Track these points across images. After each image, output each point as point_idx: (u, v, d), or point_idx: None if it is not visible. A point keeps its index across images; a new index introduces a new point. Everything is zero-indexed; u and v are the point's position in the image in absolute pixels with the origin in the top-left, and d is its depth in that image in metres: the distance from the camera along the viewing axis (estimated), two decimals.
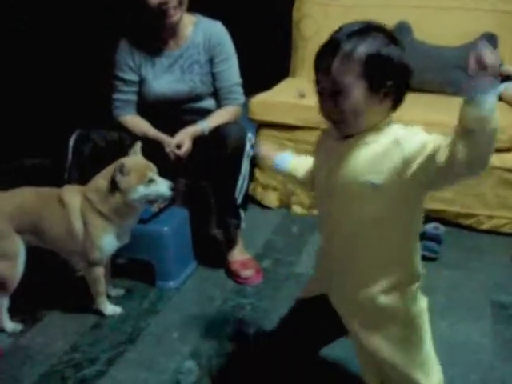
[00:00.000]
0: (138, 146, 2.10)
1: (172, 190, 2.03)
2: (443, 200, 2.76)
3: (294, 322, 1.59)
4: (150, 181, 1.99)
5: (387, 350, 1.38)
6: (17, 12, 3.51)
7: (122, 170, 1.95)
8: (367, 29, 1.26)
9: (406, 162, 1.21)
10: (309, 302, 1.54)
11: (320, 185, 1.42)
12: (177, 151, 2.31)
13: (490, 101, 1.07)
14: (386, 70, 1.24)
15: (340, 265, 1.42)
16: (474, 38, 3.10)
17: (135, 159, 2.06)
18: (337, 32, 1.28)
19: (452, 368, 1.84)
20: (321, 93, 1.30)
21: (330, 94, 1.26)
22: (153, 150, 2.19)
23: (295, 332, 1.56)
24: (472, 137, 1.10)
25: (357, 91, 1.23)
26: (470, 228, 2.80)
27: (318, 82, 1.31)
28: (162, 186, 2.01)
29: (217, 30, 2.48)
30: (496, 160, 2.65)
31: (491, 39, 3.07)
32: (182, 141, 2.32)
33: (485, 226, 2.77)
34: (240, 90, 2.54)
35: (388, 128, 1.29)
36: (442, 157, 1.15)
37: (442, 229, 2.63)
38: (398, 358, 1.39)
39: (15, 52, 3.51)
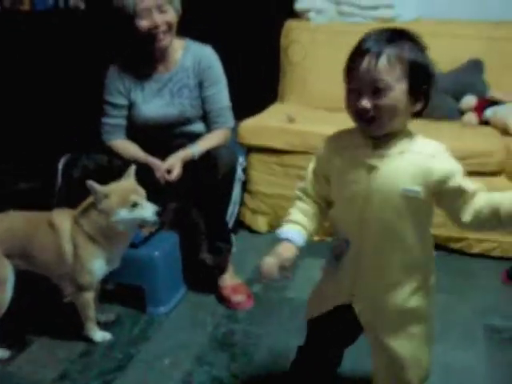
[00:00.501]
0: (132, 169, 2.07)
1: (158, 215, 1.99)
2: (434, 224, 2.75)
3: (316, 341, 1.64)
4: (134, 205, 1.96)
5: (410, 348, 1.47)
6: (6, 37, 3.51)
7: (99, 193, 1.94)
8: (403, 34, 1.34)
9: (440, 179, 1.32)
10: (322, 318, 1.56)
11: (347, 191, 1.42)
12: (167, 176, 2.29)
13: None
14: (425, 74, 1.34)
15: (367, 272, 1.44)
16: (461, 64, 3.15)
17: (121, 183, 2.03)
18: (369, 37, 1.33)
19: None
20: (357, 91, 1.33)
21: (371, 91, 1.30)
22: (143, 174, 2.17)
23: (321, 348, 1.64)
24: (499, 225, 1.32)
25: (399, 90, 1.30)
26: (460, 252, 2.80)
27: (352, 81, 1.34)
28: (147, 211, 1.98)
29: (206, 53, 2.49)
30: (485, 184, 2.66)
31: (478, 65, 3.12)
32: (172, 165, 2.30)
33: (475, 250, 2.77)
34: (229, 113, 2.54)
35: (413, 135, 1.39)
36: (462, 203, 1.34)
37: (433, 253, 2.62)
38: (419, 353, 1.49)
39: (6, 77, 3.49)
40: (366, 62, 1.30)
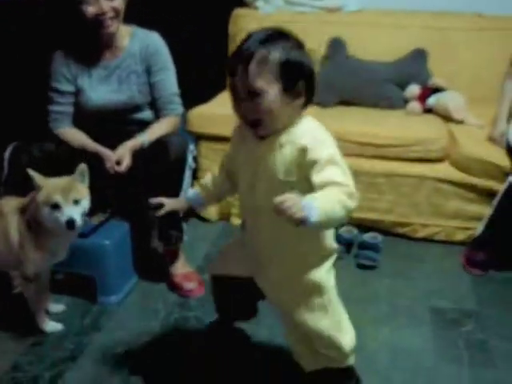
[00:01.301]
0: (82, 167, 1.97)
1: (69, 225, 1.85)
2: (379, 209, 2.83)
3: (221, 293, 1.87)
4: (55, 206, 1.86)
5: (312, 319, 1.55)
6: None
7: (35, 183, 1.89)
8: (277, 35, 1.39)
9: (310, 167, 1.38)
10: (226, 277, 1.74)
11: (244, 181, 1.55)
12: (117, 167, 2.26)
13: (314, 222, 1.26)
14: (298, 71, 1.39)
15: (265, 252, 1.58)
16: (406, 54, 3.22)
17: (59, 179, 1.93)
18: (248, 39, 1.40)
19: (399, 371, 1.91)
20: (237, 96, 1.40)
21: (248, 96, 1.37)
22: (91, 163, 2.13)
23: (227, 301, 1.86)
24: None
25: (272, 92, 1.36)
26: (405, 236, 2.87)
27: (233, 86, 1.41)
28: (61, 217, 1.85)
29: (153, 39, 2.48)
30: (429, 170, 2.76)
31: (421, 54, 3.20)
32: (122, 156, 2.27)
33: (420, 234, 2.85)
34: (178, 100, 2.53)
35: (299, 126, 1.44)
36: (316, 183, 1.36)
37: (379, 238, 2.69)
38: (321, 323, 1.56)
39: None
40: (239, 69, 1.37)
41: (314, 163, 1.37)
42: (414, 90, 3.13)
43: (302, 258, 1.54)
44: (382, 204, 2.83)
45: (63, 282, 2.35)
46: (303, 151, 1.39)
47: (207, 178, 1.76)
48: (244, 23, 3.49)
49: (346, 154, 2.78)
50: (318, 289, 1.55)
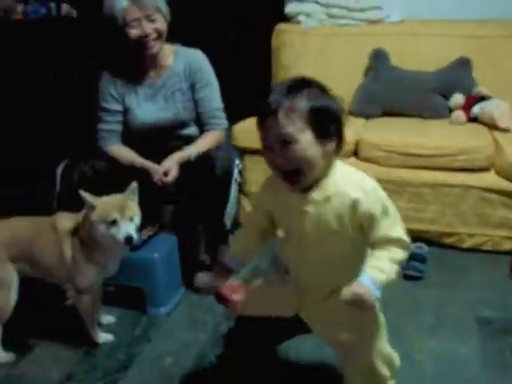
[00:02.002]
0: (134, 185, 2.05)
1: (128, 241, 1.94)
2: (425, 220, 2.82)
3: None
4: (113, 222, 1.94)
5: (369, 340, 1.55)
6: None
7: (87, 203, 1.96)
8: (300, 84, 1.41)
9: (364, 220, 1.43)
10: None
11: (285, 232, 1.55)
12: (164, 178, 2.33)
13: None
14: (327, 116, 1.40)
15: (312, 285, 1.58)
16: (449, 63, 3.21)
17: (112, 197, 2.02)
18: (271, 91, 1.41)
19: (444, 381, 1.90)
20: (270, 149, 1.41)
21: (281, 146, 1.38)
22: (140, 179, 2.20)
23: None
24: None
25: (304, 139, 1.37)
26: (452, 246, 2.85)
27: (265, 140, 1.42)
28: (120, 233, 1.94)
29: (196, 57, 2.55)
30: (475, 180, 2.74)
31: (466, 63, 3.18)
32: (168, 168, 2.34)
33: (466, 244, 2.83)
34: (222, 114, 2.58)
35: (338, 175, 1.46)
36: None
37: (425, 248, 2.68)
38: (377, 342, 1.56)
39: (2, 85, 3.52)
40: (268, 121, 1.38)
41: (368, 218, 1.41)
42: (458, 99, 3.11)
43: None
44: (428, 214, 2.82)
45: (114, 294, 2.42)
46: (355, 203, 1.41)
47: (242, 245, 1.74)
48: (287, 37, 3.54)
49: (391, 165, 2.83)
50: (368, 316, 1.55)
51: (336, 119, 1.42)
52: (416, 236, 2.79)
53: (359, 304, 1.32)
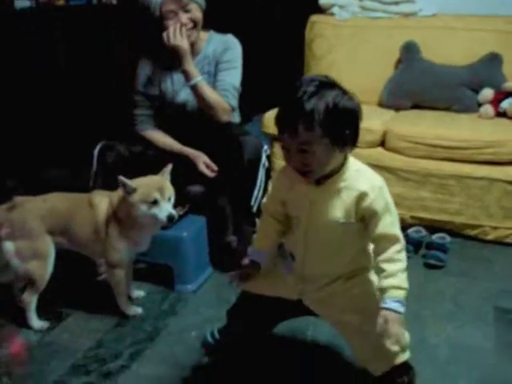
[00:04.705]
0: (169, 168, 2.16)
1: (170, 219, 2.06)
2: (449, 211, 2.86)
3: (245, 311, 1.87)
4: (154, 202, 2.04)
5: (367, 324, 1.55)
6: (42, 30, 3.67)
7: (128, 187, 2.04)
8: (322, 87, 1.43)
9: (368, 215, 1.52)
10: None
11: (296, 221, 1.63)
12: (209, 173, 2.47)
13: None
14: (343, 122, 1.44)
15: (316, 273, 1.66)
16: (480, 58, 3.23)
17: (151, 178, 2.12)
18: (296, 92, 1.42)
19: (456, 365, 1.95)
20: (287, 149, 1.47)
21: (297, 152, 1.44)
22: (176, 163, 2.26)
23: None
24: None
25: (321, 148, 1.43)
26: (475, 238, 2.88)
27: (283, 141, 1.48)
28: (162, 212, 2.05)
29: (226, 39, 2.61)
30: (500, 173, 2.77)
31: (496, 58, 3.20)
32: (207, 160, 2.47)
33: (490, 237, 2.86)
34: (235, 93, 2.56)
35: (350, 169, 1.53)
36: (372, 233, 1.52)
37: (447, 238, 2.73)
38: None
39: (45, 68, 3.65)
40: (288, 127, 1.43)
41: (371, 212, 1.51)
42: (487, 93, 3.13)
43: (356, 271, 1.66)
44: (452, 206, 2.86)
45: (145, 270, 2.53)
46: (362, 195, 1.50)
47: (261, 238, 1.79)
48: (320, 29, 3.59)
49: (417, 155, 2.87)
50: (368, 296, 1.63)
51: (353, 124, 1.47)
52: (440, 227, 2.86)
53: (392, 335, 1.45)
